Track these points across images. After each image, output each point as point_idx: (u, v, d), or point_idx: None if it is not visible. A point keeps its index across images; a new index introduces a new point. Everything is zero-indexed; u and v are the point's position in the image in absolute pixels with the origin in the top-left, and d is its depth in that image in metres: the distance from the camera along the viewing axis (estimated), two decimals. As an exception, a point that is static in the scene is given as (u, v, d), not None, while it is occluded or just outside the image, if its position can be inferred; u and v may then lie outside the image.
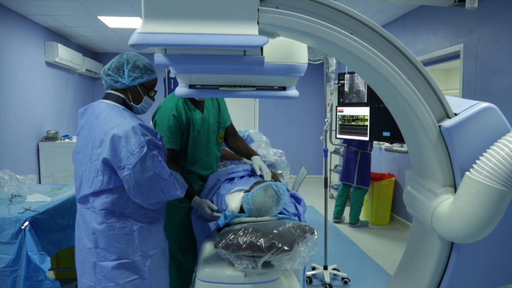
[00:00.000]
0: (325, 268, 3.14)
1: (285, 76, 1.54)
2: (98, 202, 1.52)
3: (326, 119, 3.18)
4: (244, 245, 1.46)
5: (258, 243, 1.45)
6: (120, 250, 1.53)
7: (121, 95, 1.63)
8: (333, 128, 4.52)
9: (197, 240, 2.00)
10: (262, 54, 1.20)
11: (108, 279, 1.52)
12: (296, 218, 1.84)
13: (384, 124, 3.76)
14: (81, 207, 1.60)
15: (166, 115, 1.99)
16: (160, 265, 1.65)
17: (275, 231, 1.51)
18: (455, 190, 1.30)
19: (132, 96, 1.65)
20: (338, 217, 4.76)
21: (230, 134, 2.30)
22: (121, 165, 1.46)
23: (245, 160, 2.45)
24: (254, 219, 1.70)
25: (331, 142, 4.62)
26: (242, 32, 1.10)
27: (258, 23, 1.12)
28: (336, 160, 6.61)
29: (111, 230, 1.52)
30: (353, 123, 4.30)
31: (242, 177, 2.02)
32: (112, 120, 1.52)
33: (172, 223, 2.03)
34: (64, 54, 5.30)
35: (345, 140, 4.62)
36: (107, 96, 1.64)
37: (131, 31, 5.07)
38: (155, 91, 1.71)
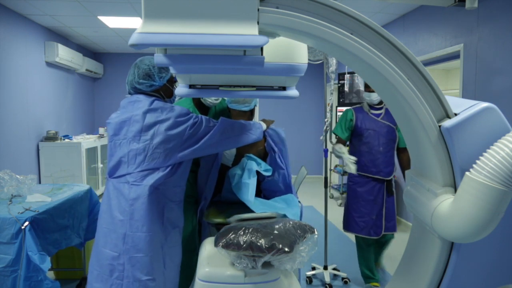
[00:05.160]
0: (325, 268, 3.14)
1: (285, 76, 1.54)
2: (148, 179, 1.69)
3: (326, 119, 3.18)
4: (244, 245, 1.46)
5: (258, 244, 1.45)
6: (152, 222, 1.69)
7: (155, 94, 1.85)
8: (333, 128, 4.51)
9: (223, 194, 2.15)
10: (262, 54, 1.20)
11: (138, 250, 1.67)
12: (292, 200, 1.97)
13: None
14: (116, 181, 1.75)
15: None
16: (176, 242, 1.83)
17: (275, 231, 1.51)
18: (455, 190, 1.30)
19: (164, 93, 1.89)
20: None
21: None
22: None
23: None
24: (254, 215, 1.71)
25: (331, 142, 4.62)
26: (242, 32, 1.10)
27: (258, 23, 1.12)
28: (336, 160, 6.61)
29: (149, 204, 1.68)
30: (353, 123, 4.29)
31: None
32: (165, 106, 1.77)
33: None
34: (64, 54, 5.30)
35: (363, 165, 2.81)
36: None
37: (131, 31, 5.07)
38: (176, 81, 1.91)
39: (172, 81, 1.90)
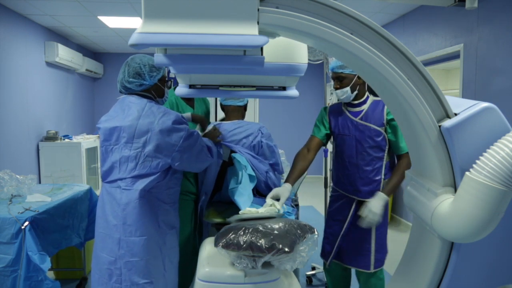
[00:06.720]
0: (325, 268, 3.13)
1: (285, 76, 1.54)
2: (138, 183, 1.66)
3: (326, 119, 3.17)
4: (244, 245, 1.46)
5: (258, 244, 1.45)
6: (146, 226, 1.69)
7: (147, 94, 1.81)
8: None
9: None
10: (262, 54, 1.20)
11: (132, 254, 1.66)
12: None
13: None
14: (108, 186, 1.74)
15: None
16: (174, 243, 1.84)
17: (275, 231, 1.51)
18: (455, 190, 1.30)
19: (156, 92, 1.84)
20: None
21: None
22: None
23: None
24: (254, 215, 1.71)
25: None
26: (242, 32, 1.10)
27: (258, 23, 1.12)
28: (336, 160, 6.61)
29: (141, 208, 1.68)
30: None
31: None
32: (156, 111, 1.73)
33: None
34: (64, 54, 5.30)
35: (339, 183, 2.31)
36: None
37: (131, 31, 5.07)
38: (170, 80, 1.89)
39: (164, 80, 1.86)
